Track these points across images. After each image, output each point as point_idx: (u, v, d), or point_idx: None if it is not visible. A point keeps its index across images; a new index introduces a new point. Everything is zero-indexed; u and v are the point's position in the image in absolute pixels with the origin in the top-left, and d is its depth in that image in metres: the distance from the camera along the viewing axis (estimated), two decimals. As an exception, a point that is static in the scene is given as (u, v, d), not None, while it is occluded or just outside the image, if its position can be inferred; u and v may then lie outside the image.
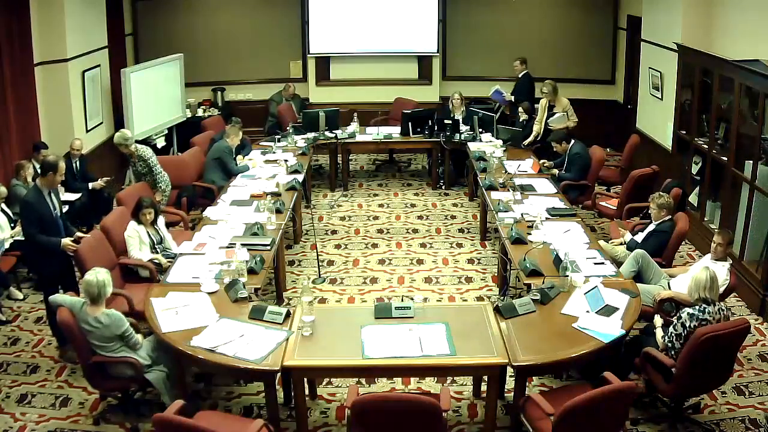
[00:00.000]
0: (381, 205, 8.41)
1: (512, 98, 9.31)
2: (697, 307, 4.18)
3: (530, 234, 5.67)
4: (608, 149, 9.23)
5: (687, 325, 4.13)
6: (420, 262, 6.87)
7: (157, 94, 9.08)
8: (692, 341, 3.99)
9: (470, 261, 6.88)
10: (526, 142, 8.32)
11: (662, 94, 8.30)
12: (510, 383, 4.31)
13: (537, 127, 8.34)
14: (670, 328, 4.23)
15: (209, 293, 4.71)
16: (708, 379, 4.27)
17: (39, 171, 5.43)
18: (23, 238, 5.95)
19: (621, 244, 5.86)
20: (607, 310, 4.41)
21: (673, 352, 4.18)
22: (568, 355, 4.04)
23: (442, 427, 3.60)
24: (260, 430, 3.68)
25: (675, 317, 4.27)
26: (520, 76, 9.39)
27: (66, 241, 5.08)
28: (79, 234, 5.29)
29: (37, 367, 5.15)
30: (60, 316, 4.17)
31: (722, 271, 4.80)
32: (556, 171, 7.41)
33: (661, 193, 5.76)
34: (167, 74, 9.35)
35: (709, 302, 4.19)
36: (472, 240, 7.39)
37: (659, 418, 4.50)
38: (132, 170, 6.96)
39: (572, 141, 7.37)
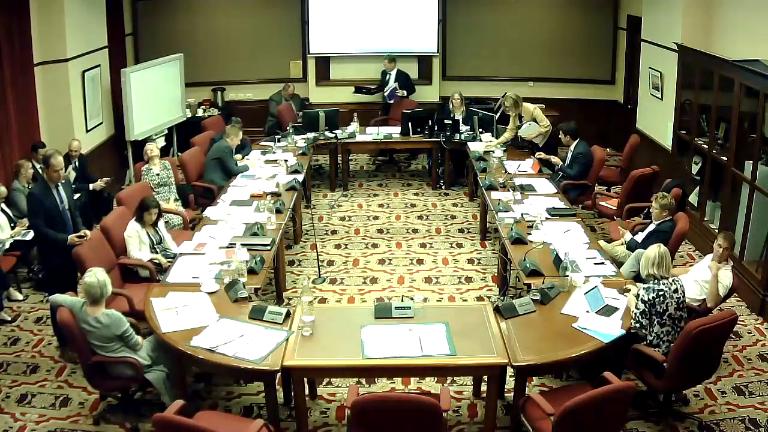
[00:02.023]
0: (381, 205, 8.41)
1: (404, 93, 9.63)
2: (651, 281, 4.30)
3: (530, 234, 5.67)
4: (608, 149, 9.23)
5: (646, 299, 4.23)
6: (420, 262, 6.87)
7: (157, 94, 9.08)
8: (684, 335, 4.02)
9: (470, 261, 6.88)
10: (496, 142, 8.16)
11: (662, 94, 8.30)
12: (510, 383, 4.31)
13: (508, 134, 8.16)
14: (633, 309, 4.32)
15: (209, 293, 4.71)
16: (698, 372, 4.30)
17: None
18: (24, 239, 5.98)
19: (622, 244, 5.86)
20: (607, 310, 4.42)
21: (643, 332, 4.26)
22: (568, 355, 4.04)
23: (442, 427, 3.59)
24: (260, 430, 3.67)
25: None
26: (393, 73, 9.71)
27: (72, 237, 5.10)
28: (84, 232, 5.31)
29: (37, 367, 5.14)
30: (60, 316, 4.16)
31: (726, 274, 4.80)
32: (558, 161, 7.41)
33: (664, 193, 5.77)
34: (167, 74, 9.35)
35: (658, 279, 4.29)
36: (472, 240, 7.39)
37: (650, 415, 4.51)
38: (146, 175, 6.97)
39: (578, 139, 7.36)
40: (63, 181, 5.32)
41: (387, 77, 9.86)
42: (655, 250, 4.36)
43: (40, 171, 6.25)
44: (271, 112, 9.85)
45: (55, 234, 5.06)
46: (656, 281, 4.29)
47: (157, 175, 6.92)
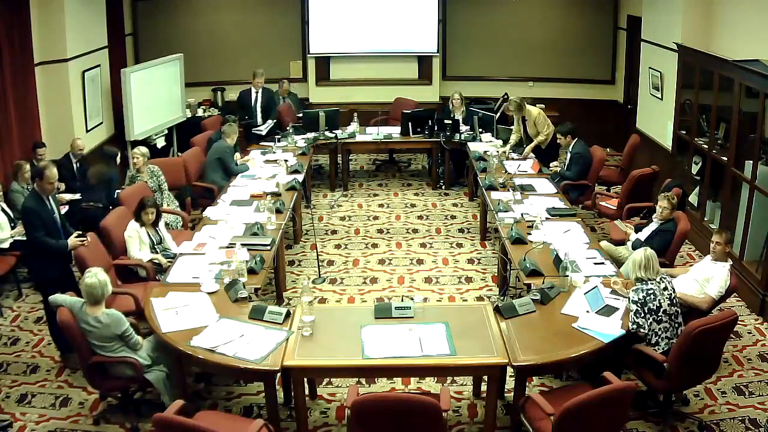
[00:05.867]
0: (381, 205, 8.41)
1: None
2: (639, 283, 4.32)
3: (530, 234, 5.67)
4: (608, 149, 9.23)
5: (636, 299, 4.26)
6: (420, 262, 6.87)
7: (157, 94, 9.08)
8: (685, 335, 4.02)
9: (470, 261, 6.88)
10: (506, 148, 8.05)
11: (662, 94, 8.30)
12: (510, 383, 4.31)
13: (514, 137, 8.10)
14: (629, 313, 4.33)
15: (209, 293, 4.71)
16: (698, 372, 4.30)
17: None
18: (27, 240, 5.96)
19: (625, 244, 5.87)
20: (607, 310, 4.42)
21: (642, 332, 4.25)
22: (568, 355, 4.04)
23: (442, 427, 3.59)
24: (260, 430, 3.67)
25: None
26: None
27: (73, 240, 5.08)
28: (77, 233, 5.28)
29: (37, 367, 5.15)
30: (60, 316, 4.16)
31: (722, 272, 4.80)
32: (558, 167, 7.41)
33: (669, 194, 5.76)
34: (167, 74, 9.35)
35: (646, 281, 4.31)
36: (472, 240, 7.38)
37: (650, 415, 4.51)
38: (130, 177, 6.97)
39: (575, 139, 7.36)
40: None
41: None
42: (642, 253, 4.39)
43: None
44: (271, 112, 9.83)
45: (56, 242, 5.03)
46: (644, 282, 4.31)
47: (145, 183, 6.80)
